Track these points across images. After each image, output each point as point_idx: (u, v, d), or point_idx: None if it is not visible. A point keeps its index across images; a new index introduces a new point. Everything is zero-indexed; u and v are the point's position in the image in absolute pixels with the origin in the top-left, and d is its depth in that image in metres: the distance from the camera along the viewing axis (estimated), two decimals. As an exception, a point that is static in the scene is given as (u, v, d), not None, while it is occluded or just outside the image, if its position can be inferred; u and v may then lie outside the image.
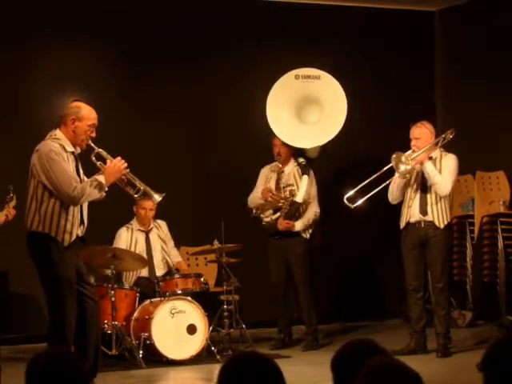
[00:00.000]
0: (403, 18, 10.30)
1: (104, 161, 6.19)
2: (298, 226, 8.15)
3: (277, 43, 9.57)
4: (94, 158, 6.19)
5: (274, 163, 8.37)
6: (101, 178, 6.04)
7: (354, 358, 2.81)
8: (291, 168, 8.29)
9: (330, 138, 8.36)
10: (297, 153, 8.35)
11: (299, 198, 8.16)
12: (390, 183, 7.57)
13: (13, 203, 6.43)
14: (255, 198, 8.33)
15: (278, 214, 8.16)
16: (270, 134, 8.34)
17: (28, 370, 2.75)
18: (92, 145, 6.13)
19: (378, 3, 10.05)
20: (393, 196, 7.62)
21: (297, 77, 8.46)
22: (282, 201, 8.16)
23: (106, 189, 6.05)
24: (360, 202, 7.54)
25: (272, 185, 8.27)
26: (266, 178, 8.36)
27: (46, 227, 5.92)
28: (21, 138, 8.20)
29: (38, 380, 2.71)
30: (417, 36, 10.39)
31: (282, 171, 8.29)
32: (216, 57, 9.47)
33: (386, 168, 7.50)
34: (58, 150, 5.94)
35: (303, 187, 8.17)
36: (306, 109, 8.49)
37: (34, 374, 2.73)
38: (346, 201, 7.54)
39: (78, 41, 9.00)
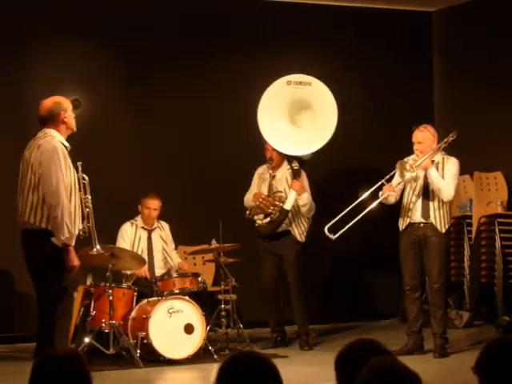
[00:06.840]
0: (402, 19, 10.30)
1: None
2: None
3: (276, 44, 9.56)
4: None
5: (267, 164, 8.32)
6: (69, 242, 5.98)
7: (358, 357, 2.82)
8: (283, 172, 8.22)
9: (322, 145, 8.22)
10: (290, 156, 8.25)
11: (288, 206, 8.05)
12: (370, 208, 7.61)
13: None
14: (248, 199, 8.32)
15: (269, 219, 8.13)
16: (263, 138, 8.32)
17: (34, 369, 2.76)
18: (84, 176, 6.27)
19: (376, 3, 10.05)
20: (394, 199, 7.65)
21: (289, 83, 8.37)
22: (272, 207, 8.10)
23: (64, 237, 5.95)
24: (339, 233, 7.53)
25: (264, 190, 8.20)
26: (259, 179, 8.31)
27: (49, 224, 5.94)
28: (20, 138, 8.19)
29: (44, 380, 2.72)
30: (415, 36, 10.40)
31: (274, 176, 8.24)
32: (215, 57, 9.46)
33: (388, 176, 7.53)
34: (61, 149, 6.01)
35: (292, 195, 8.06)
36: (299, 115, 8.40)
37: (39, 374, 2.74)
38: (326, 232, 7.52)
39: (77, 41, 8.97)
